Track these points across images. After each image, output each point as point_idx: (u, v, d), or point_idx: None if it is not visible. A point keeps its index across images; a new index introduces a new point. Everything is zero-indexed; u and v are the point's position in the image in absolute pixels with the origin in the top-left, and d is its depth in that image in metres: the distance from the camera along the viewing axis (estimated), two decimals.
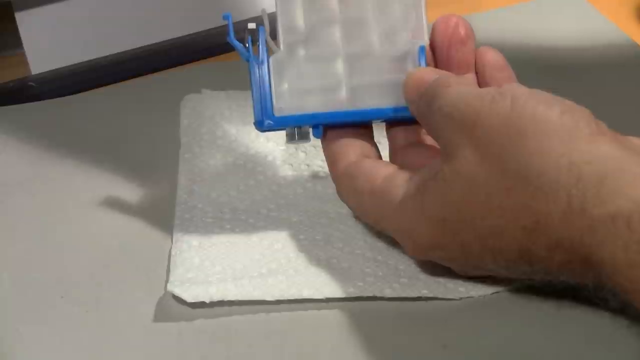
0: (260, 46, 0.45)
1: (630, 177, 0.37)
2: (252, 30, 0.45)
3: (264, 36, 0.45)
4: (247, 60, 0.45)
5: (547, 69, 0.60)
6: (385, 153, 0.48)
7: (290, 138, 0.46)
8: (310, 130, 0.46)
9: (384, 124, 0.48)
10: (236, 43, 0.45)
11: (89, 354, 0.43)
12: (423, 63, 0.46)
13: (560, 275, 0.40)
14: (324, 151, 0.47)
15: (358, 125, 0.47)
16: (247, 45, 0.45)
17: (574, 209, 0.37)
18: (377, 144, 0.47)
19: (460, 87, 0.42)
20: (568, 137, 0.38)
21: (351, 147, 0.46)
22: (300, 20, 0.46)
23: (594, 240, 0.37)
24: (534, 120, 0.39)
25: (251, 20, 0.45)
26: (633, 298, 0.37)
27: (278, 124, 0.46)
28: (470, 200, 0.40)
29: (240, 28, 0.45)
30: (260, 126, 0.46)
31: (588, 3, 0.65)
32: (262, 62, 0.45)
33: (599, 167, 0.37)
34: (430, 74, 0.44)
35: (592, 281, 0.39)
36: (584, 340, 0.42)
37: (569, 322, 0.43)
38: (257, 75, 0.45)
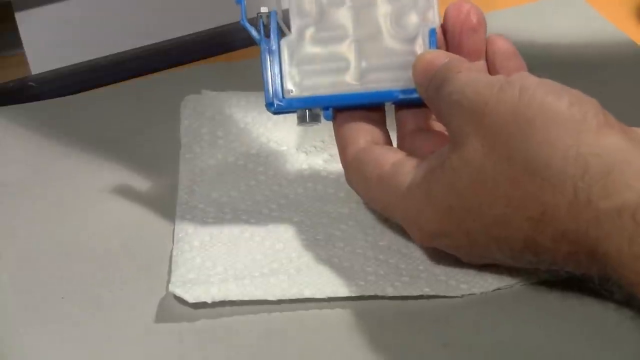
0: (272, 29, 0.46)
1: (636, 170, 0.37)
2: (264, 14, 0.46)
3: (275, 19, 0.46)
4: (259, 44, 0.46)
5: (547, 69, 0.59)
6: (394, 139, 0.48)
7: (302, 120, 0.47)
8: (321, 112, 0.46)
9: (393, 107, 0.48)
10: (248, 26, 0.46)
11: (89, 355, 0.43)
12: (433, 46, 0.46)
13: (565, 266, 0.40)
14: (335, 135, 0.47)
15: (370, 110, 0.47)
16: (259, 28, 0.46)
17: (580, 201, 0.37)
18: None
19: (470, 74, 0.42)
20: (576, 129, 0.38)
21: (361, 133, 0.46)
22: (310, 4, 0.46)
23: (600, 233, 0.37)
24: (542, 111, 0.39)
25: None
26: (638, 290, 0.37)
27: (288, 106, 0.46)
28: (477, 189, 0.40)
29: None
30: (271, 108, 0.46)
31: (587, 4, 0.65)
32: (273, 45, 0.46)
33: (606, 159, 0.37)
34: (440, 57, 0.44)
35: (597, 273, 0.39)
36: (585, 337, 0.42)
37: (570, 320, 0.43)
38: (268, 58, 0.46)
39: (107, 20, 0.64)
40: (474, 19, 0.46)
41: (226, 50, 0.63)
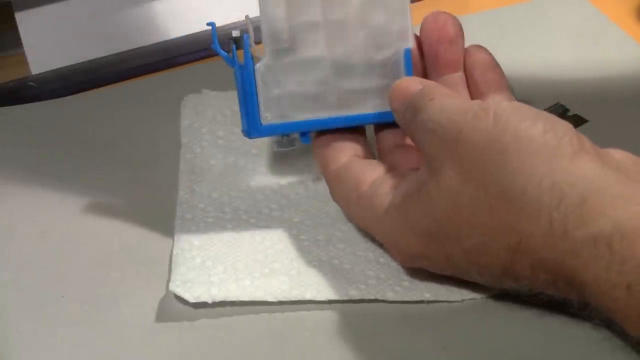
0: (245, 54, 0.45)
1: (610, 197, 0.37)
2: (236, 38, 0.45)
3: (248, 44, 0.45)
4: (233, 67, 0.45)
5: (547, 68, 0.60)
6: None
7: (279, 145, 0.46)
8: (299, 137, 0.46)
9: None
10: (221, 51, 0.45)
11: (89, 354, 0.43)
12: (409, 66, 0.46)
13: (545, 291, 0.40)
14: (314, 154, 0.47)
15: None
16: (232, 53, 0.45)
17: (555, 231, 0.37)
18: None
19: (443, 100, 0.42)
20: (551, 156, 0.38)
21: (343, 150, 0.46)
22: (284, 26, 0.45)
23: (577, 262, 0.37)
24: (516, 138, 0.39)
25: (238, 26, 0.45)
26: (616, 317, 0.37)
27: (265, 132, 0.46)
28: (454, 217, 0.40)
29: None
30: (248, 135, 0.46)
31: (588, 2, 0.65)
32: (248, 70, 0.45)
33: (580, 188, 0.37)
34: (414, 84, 0.44)
35: (577, 299, 0.39)
36: (586, 342, 0.42)
37: (570, 324, 0.42)
38: (243, 83, 0.45)
39: (107, 20, 0.64)
40: (451, 30, 0.46)
41: (226, 50, 0.63)
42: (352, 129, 0.47)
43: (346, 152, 0.46)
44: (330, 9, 0.45)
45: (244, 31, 0.45)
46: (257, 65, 0.45)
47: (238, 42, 0.45)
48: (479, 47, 0.47)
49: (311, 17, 0.45)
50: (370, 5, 0.46)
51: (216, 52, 0.45)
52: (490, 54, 0.47)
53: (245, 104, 0.45)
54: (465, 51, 0.46)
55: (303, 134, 0.46)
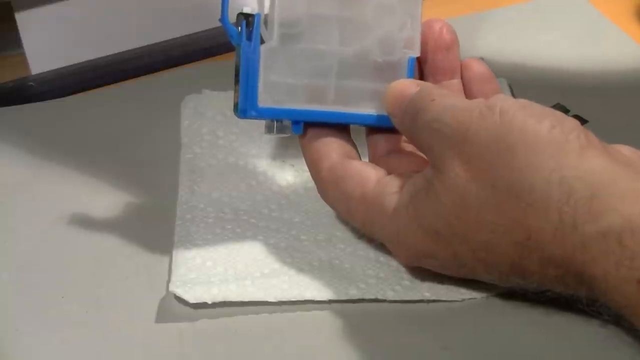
0: (254, 33, 0.44)
1: (620, 192, 0.37)
2: (246, 14, 0.44)
3: (259, 23, 0.44)
4: (238, 44, 0.44)
5: (547, 68, 0.60)
6: (362, 152, 0.47)
7: (269, 130, 0.45)
8: (290, 125, 0.45)
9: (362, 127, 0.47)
10: (229, 26, 0.44)
11: (89, 355, 0.43)
12: (411, 75, 0.46)
13: (553, 288, 0.40)
14: (302, 149, 0.46)
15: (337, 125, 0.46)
16: (240, 29, 0.44)
17: (565, 225, 0.37)
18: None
19: (445, 100, 0.42)
20: (558, 152, 0.38)
21: (332, 146, 0.45)
22: (298, 14, 0.45)
23: (587, 257, 0.37)
24: (523, 135, 0.39)
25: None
26: (626, 313, 0.37)
27: (261, 114, 0.45)
28: (462, 215, 0.40)
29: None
30: (243, 115, 0.45)
31: (588, 3, 0.65)
32: (254, 50, 0.44)
33: (589, 183, 0.37)
34: (410, 86, 0.44)
35: (586, 295, 0.39)
36: (586, 342, 0.42)
37: (571, 324, 0.43)
38: (247, 62, 0.44)
39: (107, 20, 0.64)
40: (447, 37, 0.46)
41: (226, 50, 0.63)
42: (339, 128, 0.46)
43: (339, 150, 0.45)
44: (348, 7, 0.45)
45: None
46: (263, 47, 0.44)
47: (248, 19, 0.44)
48: (475, 59, 0.47)
49: (328, 10, 0.45)
50: (384, 10, 0.46)
51: (224, 26, 0.44)
52: (487, 67, 0.47)
53: (247, 83, 0.44)
54: (462, 64, 0.46)
55: (296, 123, 0.45)
